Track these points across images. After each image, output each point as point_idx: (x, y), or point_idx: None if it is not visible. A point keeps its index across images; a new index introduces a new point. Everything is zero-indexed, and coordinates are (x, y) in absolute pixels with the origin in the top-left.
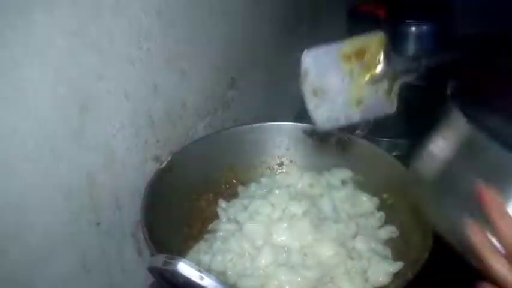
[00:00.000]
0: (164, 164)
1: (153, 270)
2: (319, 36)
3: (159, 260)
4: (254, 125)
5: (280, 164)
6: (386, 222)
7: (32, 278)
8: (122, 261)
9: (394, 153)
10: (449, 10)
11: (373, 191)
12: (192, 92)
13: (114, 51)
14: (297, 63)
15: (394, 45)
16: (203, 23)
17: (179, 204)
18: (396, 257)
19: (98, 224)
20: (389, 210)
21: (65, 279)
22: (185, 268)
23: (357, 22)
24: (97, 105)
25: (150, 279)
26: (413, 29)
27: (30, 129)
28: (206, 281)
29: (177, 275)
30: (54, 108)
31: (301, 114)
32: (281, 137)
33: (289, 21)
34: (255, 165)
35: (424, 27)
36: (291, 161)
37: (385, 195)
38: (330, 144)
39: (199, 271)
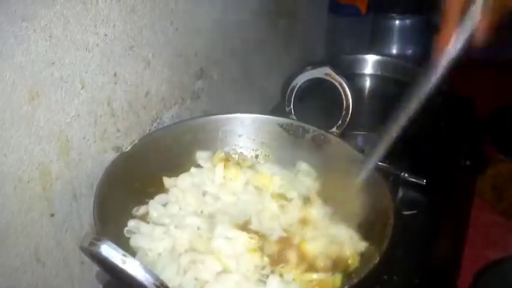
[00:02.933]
0: (125, 150)
1: (83, 250)
2: (299, 30)
3: (87, 239)
4: (228, 115)
5: (256, 157)
6: None
7: None
8: (80, 253)
9: (368, 147)
10: (434, 3)
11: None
12: (156, 81)
13: (68, 36)
14: (276, 57)
15: (376, 41)
16: (169, 10)
17: (136, 193)
18: None
19: (52, 215)
20: None
21: (17, 271)
22: (108, 250)
23: (339, 16)
24: (49, 93)
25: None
26: (397, 22)
27: None
28: (128, 264)
29: (100, 256)
30: (2, 95)
31: (277, 109)
32: (256, 130)
33: (269, 14)
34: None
35: (407, 21)
36: (266, 155)
37: None
38: (305, 141)
39: (123, 255)
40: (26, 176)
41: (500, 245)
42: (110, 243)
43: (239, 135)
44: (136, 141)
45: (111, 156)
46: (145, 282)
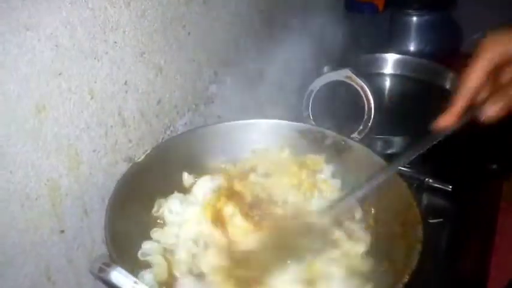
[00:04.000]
0: (137, 161)
1: (93, 275)
2: (314, 29)
3: (96, 265)
4: (244, 121)
5: None
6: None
7: None
8: None
9: (389, 151)
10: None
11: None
12: (168, 88)
13: (75, 45)
14: (292, 58)
15: (394, 38)
16: (180, 13)
17: (150, 206)
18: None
19: (62, 231)
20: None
21: None
22: (118, 277)
23: (355, 13)
24: (56, 105)
25: None
26: (415, 19)
27: None
28: None
29: (110, 283)
30: (6, 108)
31: (295, 113)
32: (273, 136)
33: (281, 12)
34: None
35: (426, 18)
36: None
37: (372, 209)
38: (325, 147)
39: (134, 282)
40: (34, 193)
41: None
42: (120, 269)
43: (255, 142)
44: (149, 151)
45: (123, 168)
46: None
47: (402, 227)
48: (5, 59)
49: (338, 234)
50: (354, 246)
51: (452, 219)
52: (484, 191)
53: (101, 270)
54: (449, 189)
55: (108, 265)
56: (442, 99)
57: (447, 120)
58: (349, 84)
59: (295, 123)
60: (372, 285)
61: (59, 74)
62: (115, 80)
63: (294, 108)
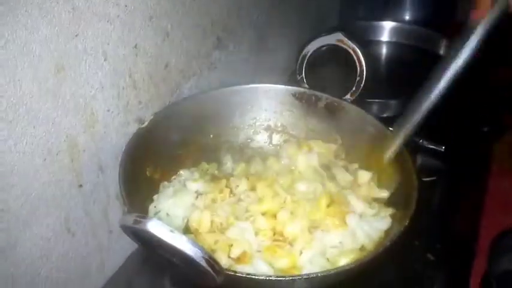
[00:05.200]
0: (145, 124)
1: (125, 228)
2: None
3: (130, 218)
4: (242, 86)
5: (267, 128)
6: None
7: (14, 242)
8: (108, 223)
9: (385, 115)
10: None
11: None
12: (175, 52)
13: (90, 8)
14: (291, 26)
15: (390, 6)
16: None
17: (159, 164)
18: None
19: (80, 186)
20: None
21: (49, 241)
22: (156, 227)
23: None
24: (74, 65)
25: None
26: None
27: (3, 89)
28: (177, 240)
29: (147, 234)
30: (28, 68)
31: (291, 78)
32: (269, 100)
33: None
34: (241, 128)
35: None
36: (279, 125)
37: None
38: (318, 109)
39: (171, 230)
40: (55, 148)
41: None
42: (155, 220)
43: (252, 106)
44: (157, 112)
45: (133, 128)
46: (194, 256)
47: (399, 182)
48: (27, 20)
49: (340, 177)
50: (362, 175)
51: (444, 178)
52: (475, 152)
53: (136, 222)
54: (442, 150)
55: (143, 217)
56: (436, 64)
57: (480, 12)
58: (343, 49)
59: (289, 86)
60: (392, 209)
61: (76, 36)
62: (126, 43)
63: (292, 73)
